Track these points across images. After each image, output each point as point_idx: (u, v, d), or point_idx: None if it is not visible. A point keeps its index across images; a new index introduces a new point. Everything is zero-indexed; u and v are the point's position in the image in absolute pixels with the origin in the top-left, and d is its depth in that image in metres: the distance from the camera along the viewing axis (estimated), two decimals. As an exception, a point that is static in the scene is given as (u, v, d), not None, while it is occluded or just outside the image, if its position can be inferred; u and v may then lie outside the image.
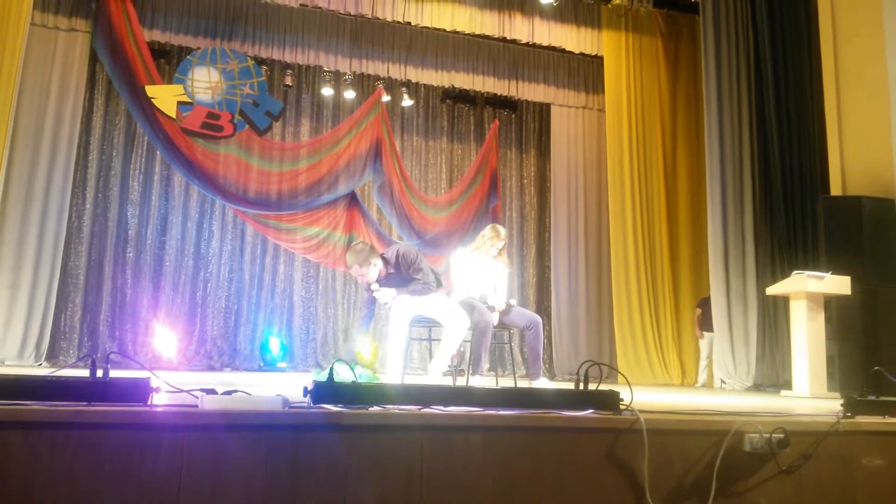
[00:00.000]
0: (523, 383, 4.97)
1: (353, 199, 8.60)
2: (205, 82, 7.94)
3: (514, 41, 9.15)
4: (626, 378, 3.10)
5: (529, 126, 10.08)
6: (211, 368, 8.05)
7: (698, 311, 8.81)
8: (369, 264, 4.39)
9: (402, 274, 4.48)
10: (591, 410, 2.43)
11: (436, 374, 4.43)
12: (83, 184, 8.07)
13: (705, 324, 8.44)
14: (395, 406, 2.27)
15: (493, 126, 9.27)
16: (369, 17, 8.48)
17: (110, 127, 8.34)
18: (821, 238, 6.54)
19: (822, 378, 5.81)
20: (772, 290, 6.33)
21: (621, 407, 2.47)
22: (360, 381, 2.69)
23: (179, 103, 7.71)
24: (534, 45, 9.18)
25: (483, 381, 4.49)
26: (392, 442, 2.16)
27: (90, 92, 8.18)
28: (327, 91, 9.05)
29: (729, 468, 2.42)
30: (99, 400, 2.03)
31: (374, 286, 4.42)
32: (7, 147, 7.07)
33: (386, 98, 8.88)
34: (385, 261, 4.50)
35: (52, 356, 7.49)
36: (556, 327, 9.20)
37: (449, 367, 4.70)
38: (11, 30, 7.10)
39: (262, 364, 8.29)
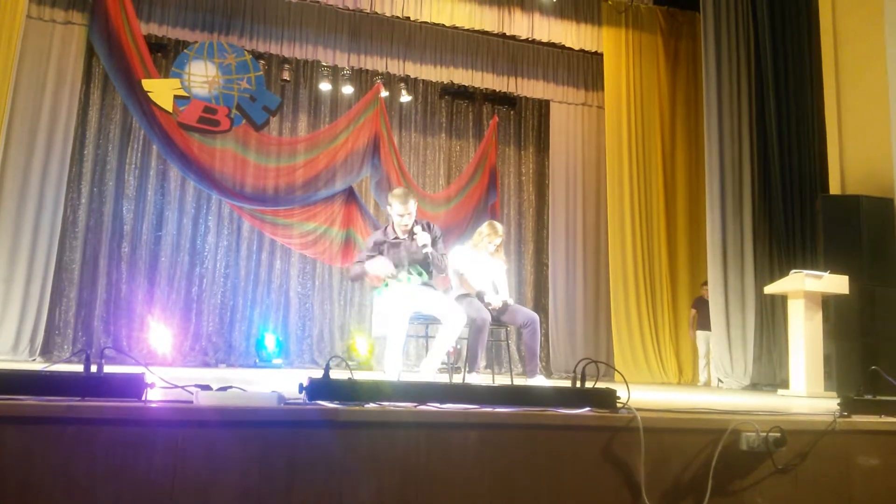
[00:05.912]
0: (520, 381, 4.96)
1: (350, 195, 8.56)
2: (202, 76, 7.90)
3: (513, 37, 9.12)
4: (622, 376, 3.09)
5: (528, 123, 10.05)
6: (206, 365, 8.02)
7: (693, 311, 8.81)
8: (415, 206, 4.41)
9: (414, 242, 4.43)
10: (588, 408, 2.42)
11: (429, 371, 4.39)
12: (79, 178, 8.03)
13: (701, 324, 8.46)
14: (392, 403, 2.25)
15: (493, 122, 9.23)
16: (368, 11, 8.46)
17: (106, 121, 8.30)
18: (819, 237, 6.55)
19: (819, 377, 5.81)
20: (770, 288, 6.32)
21: (618, 405, 2.46)
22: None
23: (176, 97, 7.67)
24: (533, 41, 9.16)
25: (479, 378, 4.48)
26: (388, 439, 2.15)
27: (86, 85, 8.15)
28: (325, 86, 9.02)
29: (725, 467, 2.42)
30: (93, 395, 2.03)
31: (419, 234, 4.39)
32: (2, 140, 7.04)
33: (384, 93, 8.85)
34: (421, 223, 4.51)
35: (47, 351, 7.45)
36: (554, 325, 9.19)
37: (445, 364, 4.67)
38: (7, 22, 7.07)
39: (257, 360, 8.27)
